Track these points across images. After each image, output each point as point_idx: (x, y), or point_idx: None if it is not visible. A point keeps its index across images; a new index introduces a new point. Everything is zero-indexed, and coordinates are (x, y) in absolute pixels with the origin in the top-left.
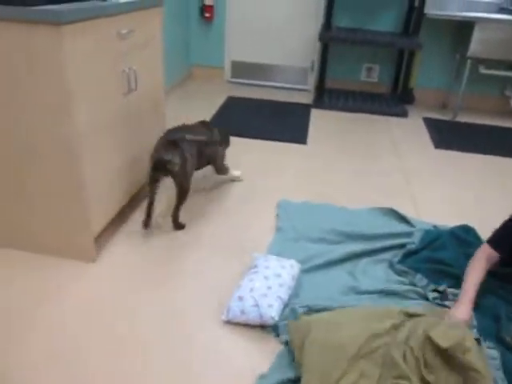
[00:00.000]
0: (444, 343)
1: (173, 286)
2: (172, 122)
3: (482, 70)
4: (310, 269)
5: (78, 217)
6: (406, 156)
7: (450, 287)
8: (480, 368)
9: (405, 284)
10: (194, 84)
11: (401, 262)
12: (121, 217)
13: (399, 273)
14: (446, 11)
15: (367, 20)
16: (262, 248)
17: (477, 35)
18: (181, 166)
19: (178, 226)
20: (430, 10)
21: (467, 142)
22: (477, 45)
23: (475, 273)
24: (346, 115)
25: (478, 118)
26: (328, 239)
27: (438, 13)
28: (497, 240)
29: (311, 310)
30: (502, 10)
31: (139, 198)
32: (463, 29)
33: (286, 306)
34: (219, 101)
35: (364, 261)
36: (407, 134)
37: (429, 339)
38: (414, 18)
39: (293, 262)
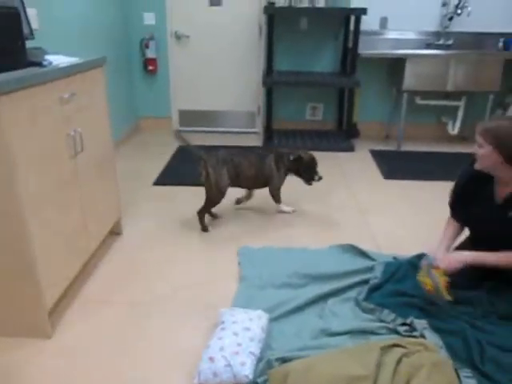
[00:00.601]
0: None
1: (136, 355)
2: (124, 178)
3: (418, 101)
4: (278, 317)
5: (30, 293)
6: (358, 189)
7: (416, 318)
8: None
9: (373, 321)
10: (143, 136)
11: (366, 298)
12: (75, 285)
13: (367, 310)
14: (378, 50)
15: (307, 62)
16: (228, 300)
17: (409, 70)
18: (205, 178)
19: (203, 226)
20: (363, 50)
21: (413, 170)
22: (410, 79)
23: (447, 229)
24: None
25: (420, 145)
26: (293, 283)
27: (371, 52)
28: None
29: (286, 361)
30: (428, 46)
31: (94, 261)
32: (396, 65)
33: (259, 360)
34: (170, 151)
35: (331, 301)
36: (356, 167)
37: None
38: (350, 58)
39: (260, 312)
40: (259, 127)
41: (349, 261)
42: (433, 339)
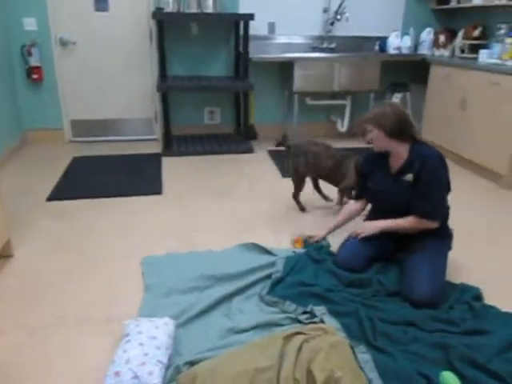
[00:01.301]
0: (320, 376)
1: (37, 381)
2: (13, 196)
3: (309, 102)
4: (185, 322)
5: None
6: (259, 189)
7: (315, 305)
8: None
9: (277, 313)
10: (31, 150)
11: (270, 292)
12: None
13: (270, 304)
14: (268, 54)
15: (201, 67)
16: (133, 312)
17: (297, 72)
18: (288, 164)
19: (300, 207)
20: (254, 54)
21: None
22: (299, 81)
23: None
24: (197, 159)
25: None
26: (199, 287)
27: (261, 56)
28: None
29: (195, 364)
30: (314, 49)
31: None
32: (286, 68)
33: (168, 367)
34: (63, 163)
35: (236, 300)
36: (256, 168)
37: (311, 372)
38: (242, 62)
39: (166, 319)
40: (158, 134)
41: (252, 259)
42: (331, 323)
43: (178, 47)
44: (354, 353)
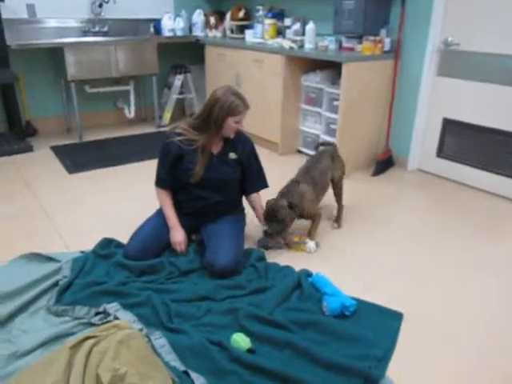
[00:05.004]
0: (105, 377)
1: None
2: None
3: (89, 90)
4: None
5: None
6: (42, 191)
7: (109, 303)
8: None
9: (67, 322)
10: None
11: (58, 301)
12: None
13: (59, 313)
14: (33, 40)
15: None
16: None
17: (69, 59)
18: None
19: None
20: (14, 41)
21: (100, 159)
22: (73, 68)
23: (166, 203)
24: None
25: (103, 133)
26: None
27: (22, 43)
28: (158, 180)
29: None
30: (86, 33)
31: None
32: (57, 55)
33: None
34: None
35: (18, 320)
36: (37, 167)
37: (98, 375)
38: None
39: None
40: None
41: (34, 270)
42: (125, 317)
43: None
44: (151, 340)
